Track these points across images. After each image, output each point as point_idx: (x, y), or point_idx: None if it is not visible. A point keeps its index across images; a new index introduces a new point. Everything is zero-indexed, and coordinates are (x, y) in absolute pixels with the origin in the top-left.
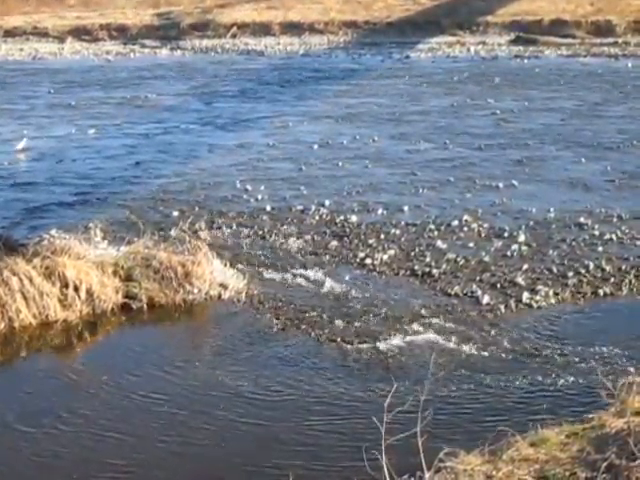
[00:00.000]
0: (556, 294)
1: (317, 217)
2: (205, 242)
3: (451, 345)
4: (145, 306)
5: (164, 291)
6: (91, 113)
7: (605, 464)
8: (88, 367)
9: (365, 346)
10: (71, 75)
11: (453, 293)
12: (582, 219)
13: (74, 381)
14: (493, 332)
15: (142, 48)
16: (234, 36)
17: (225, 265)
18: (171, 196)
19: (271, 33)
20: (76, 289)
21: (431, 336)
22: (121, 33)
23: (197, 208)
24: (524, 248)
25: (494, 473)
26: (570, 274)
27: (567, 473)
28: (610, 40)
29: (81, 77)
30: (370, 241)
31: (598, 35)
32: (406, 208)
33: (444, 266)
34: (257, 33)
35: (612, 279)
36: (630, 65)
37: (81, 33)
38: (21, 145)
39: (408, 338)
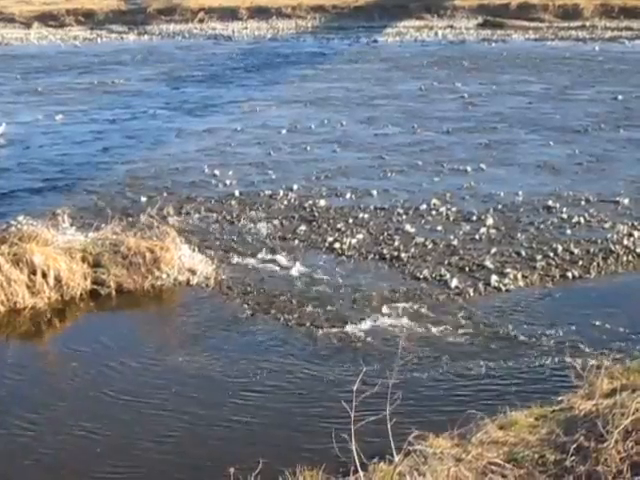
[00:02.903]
0: (524, 277)
1: (286, 202)
2: (173, 227)
3: (420, 329)
4: (114, 292)
5: (132, 277)
6: (58, 99)
7: (574, 446)
8: (57, 354)
9: (334, 330)
10: (38, 61)
11: (422, 277)
12: (550, 202)
13: (43, 368)
14: (462, 315)
15: (109, 33)
16: (201, 21)
17: (193, 250)
18: (139, 182)
19: (239, 17)
20: (44, 276)
21: (400, 320)
22: (88, 18)
23: (165, 193)
24: (492, 231)
25: (463, 456)
26: (538, 257)
27: (536, 455)
28: (578, 23)
29: (48, 63)
30: (339, 225)
31: (566, 19)
32: (375, 192)
33: (413, 250)
34: (224, 18)
35: (580, 262)
36: (598, 48)
37: (48, 19)
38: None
39: (377, 322)
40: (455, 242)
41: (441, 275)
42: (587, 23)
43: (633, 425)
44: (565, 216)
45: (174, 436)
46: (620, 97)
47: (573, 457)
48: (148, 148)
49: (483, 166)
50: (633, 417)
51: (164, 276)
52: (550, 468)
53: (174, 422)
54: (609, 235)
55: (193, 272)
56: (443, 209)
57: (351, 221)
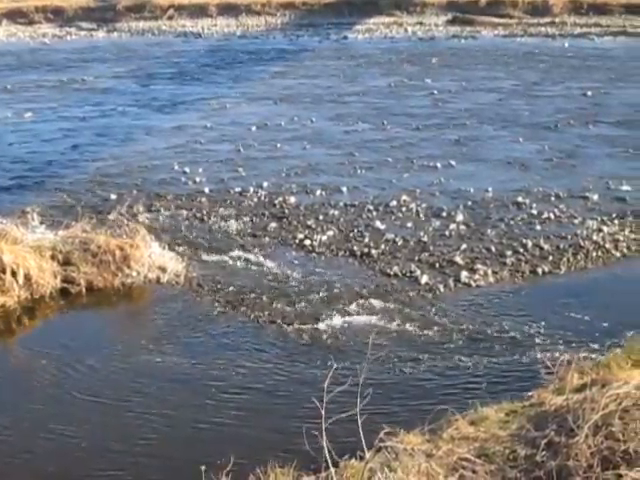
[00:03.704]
0: (495, 273)
1: (256, 199)
2: (143, 225)
3: (390, 325)
4: (84, 290)
5: (103, 275)
6: (27, 96)
7: (545, 441)
8: (26, 353)
9: (305, 327)
10: (7, 58)
11: (392, 273)
12: (520, 198)
13: (12, 367)
14: (432, 312)
15: (78, 30)
16: (171, 18)
17: (164, 248)
18: (109, 179)
19: (208, 15)
20: (14, 274)
21: (370, 317)
22: (57, 15)
23: (135, 191)
24: (462, 228)
25: (434, 452)
26: (508, 253)
27: (507, 451)
28: (547, 20)
29: (17, 60)
30: (309, 222)
31: (535, 15)
32: (344, 189)
33: (383, 246)
34: (194, 14)
35: (550, 257)
36: (567, 45)
37: (16, 16)
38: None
39: (348, 319)
40: (425, 238)
41: (411, 271)
42: (556, 19)
43: (603, 420)
44: (535, 212)
45: (145, 435)
46: (589, 93)
47: (544, 452)
48: (118, 145)
49: (453, 162)
50: (603, 412)
51: (134, 274)
52: (521, 463)
53: (145, 421)
54: (579, 231)
55: (163, 270)
56: (413, 205)
57: (321, 218)
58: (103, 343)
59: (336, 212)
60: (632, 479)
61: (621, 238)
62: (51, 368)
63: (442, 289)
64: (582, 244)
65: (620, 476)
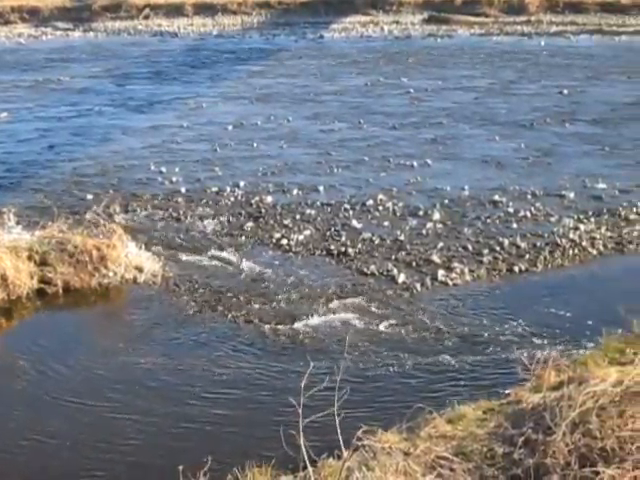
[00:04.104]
0: (471, 271)
1: (232, 198)
2: (120, 225)
3: (367, 324)
4: (61, 290)
5: (79, 275)
6: (3, 97)
7: (522, 439)
8: (4, 353)
9: (282, 327)
10: None
11: (369, 272)
12: (496, 197)
13: None
14: (409, 310)
15: (54, 30)
16: (147, 17)
17: (140, 248)
18: (85, 179)
19: (184, 14)
20: None
21: (348, 315)
22: (33, 15)
23: (111, 191)
24: (439, 226)
25: (412, 450)
26: (485, 251)
27: (484, 449)
28: (523, 18)
29: None
30: (286, 222)
31: (511, 14)
32: (321, 188)
33: (360, 245)
34: (170, 14)
35: (527, 255)
36: (543, 43)
37: None
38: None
39: (325, 318)
40: (402, 237)
41: (388, 270)
42: (532, 18)
43: (580, 417)
44: (511, 210)
45: (122, 435)
46: (565, 91)
47: (521, 450)
48: (94, 145)
49: (429, 161)
50: (580, 409)
51: (111, 274)
52: (498, 461)
53: (122, 421)
54: (555, 229)
55: (140, 270)
56: (390, 204)
57: (298, 217)
58: (80, 344)
59: (313, 211)
60: (609, 476)
61: (597, 236)
62: (28, 369)
63: (419, 288)
64: (559, 242)
65: (597, 473)
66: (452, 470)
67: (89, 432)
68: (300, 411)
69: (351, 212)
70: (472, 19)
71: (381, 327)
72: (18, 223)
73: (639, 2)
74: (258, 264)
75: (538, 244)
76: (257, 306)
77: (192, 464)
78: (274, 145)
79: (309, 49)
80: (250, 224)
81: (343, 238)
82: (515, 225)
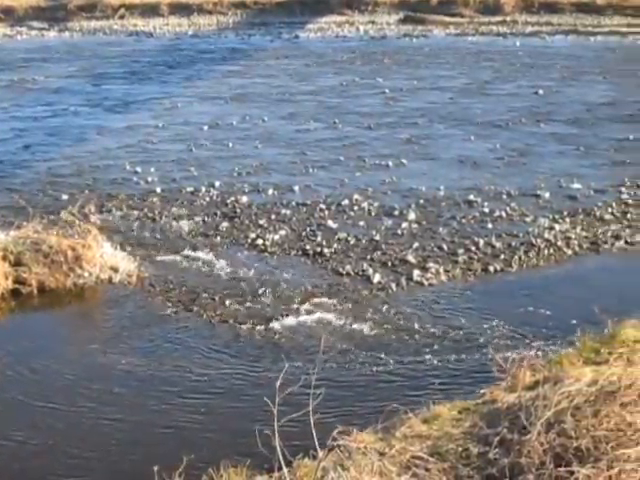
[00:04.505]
0: (447, 271)
1: (207, 198)
2: (95, 225)
3: (343, 324)
4: (35, 291)
5: (54, 275)
6: None
7: (497, 439)
8: None
9: (257, 327)
10: None
11: (344, 272)
12: (472, 197)
13: None
14: (385, 310)
15: (29, 30)
16: (122, 17)
17: (116, 248)
18: (60, 179)
19: (160, 14)
20: None
21: (323, 315)
22: (8, 15)
23: (87, 191)
24: (414, 226)
25: (387, 450)
26: (460, 251)
27: (459, 448)
28: (498, 19)
29: None
30: (261, 222)
31: (486, 14)
32: (297, 188)
33: (335, 245)
34: (145, 14)
35: (502, 255)
36: (518, 43)
37: None
38: None
39: (300, 318)
40: (377, 237)
41: (363, 270)
42: (508, 18)
43: (555, 417)
44: (486, 210)
45: (97, 437)
46: (540, 92)
47: (496, 449)
48: (69, 145)
49: (405, 161)
50: (555, 409)
51: (86, 274)
52: (473, 461)
53: (96, 423)
54: (530, 229)
55: (115, 270)
56: (365, 204)
57: (273, 217)
58: (55, 344)
59: (288, 211)
60: (584, 476)
61: (572, 236)
62: (2, 370)
63: (394, 288)
64: (534, 242)
65: (572, 473)
66: (427, 470)
67: (62, 435)
68: (275, 411)
69: (326, 212)
70: (448, 19)
71: (356, 327)
72: None
73: (614, 3)
74: (233, 264)
75: (513, 244)
76: (232, 306)
77: (167, 465)
78: (249, 145)
79: (285, 49)
80: (225, 224)
81: (318, 238)
82: (490, 225)
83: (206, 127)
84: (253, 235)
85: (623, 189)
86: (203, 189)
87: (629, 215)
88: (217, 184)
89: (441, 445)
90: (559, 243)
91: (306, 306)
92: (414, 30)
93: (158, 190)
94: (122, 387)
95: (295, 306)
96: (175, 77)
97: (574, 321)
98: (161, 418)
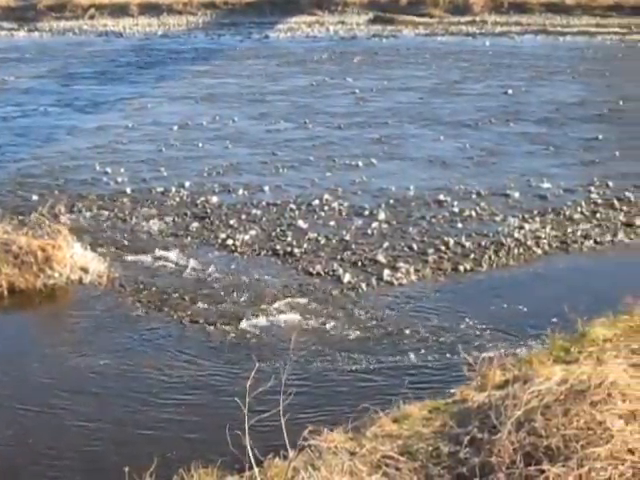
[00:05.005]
0: (417, 271)
1: (178, 198)
2: (65, 226)
3: (313, 324)
4: (5, 292)
5: (24, 276)
6: None
7: (467, 438)
8: None
9: (228, 327)
10: None
11: (315, 272)
12: (441, 196)
13: None
14: (355, 310)
15: None
16: (92, 17)
17: (86, 249)
18: (30, 180)
19: (129, 14)
20: None
21: (293, 316)
22: None
23: (57, 191)
24: (384, 226)
25: (358, 450)
26: (430, 251)
27: (430, 448)
28: (468, 19)
29: None
30: (231, 222)
31: (455, 14)
32: (267, 188)
33: (305, 245)
34: (115, 14)
35: (472, 255)
36: (488, 43)
37: None
38: None
39: (271, 318)
40: (347, 237)
41: (334, 270)
42: (477, 18)
43: (525, 416)
44: (456, 210)
45: (68, 438)
46: (510, 91)
47: (467, 449)
48: (39, 146)
49: (374, 161)
50: (525, 408)
51: (56, 275)
52: (444, 460)
53: (66, 423)
54: (500, 228)
55: (85, 270)
56: (335, 204)
57: (244, 217)
58: (25, 345)
59: (258, 211)
60: (555, 474)
61: (542, 235)
62: None
63: (364, 287)
64: (503, 242)
65: (542, 471)
66: (398, 469)
67: (33, 438)
68: (246, 412)
69: (297, 212)
70: (417, 19)
71: (327, 327)
72: None
73: (583, 3)
74: (204, 264)
75: (483, 243)
76: (203, 306)
77: (138, 465)
78: (219, 145)
79: (255, 49)
80: (195, 224)
81: (289, 238)
82: (460, 225)
83: (176, 127)
84: (223, 235)
85: (592, 189)
86: (173, 189)
87: (598, 214)
88: (187, 184)
89: (412, 444)
90: (529, 242)
91: (276, 306)
92: (384, 30)
93: (128, 190)
94: (93, 388)
95: (265, 306)
96: (145, 77)
97: (544, 320)
98: (132, 419)
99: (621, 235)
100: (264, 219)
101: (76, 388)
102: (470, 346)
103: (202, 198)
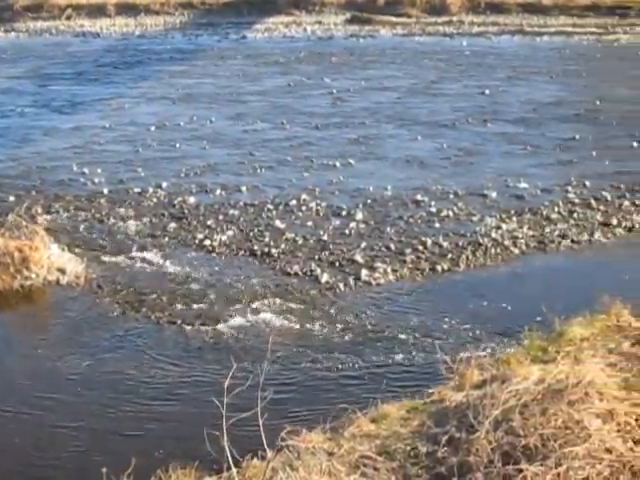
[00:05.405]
0: (394, 271)
1: (155, 199)
2: (42, 227)
3: (291, 324)
4: None
5: (1, 277)
6: None
7: (445, 437)
8: None
9: (205, 327)
10: None
11: (293, 272)
12: (419, 196)
13: None
14: (333, 310)
15: None
16: (69, 17)
17: (63, 249)
18: (7, 181)
19: (107, 14)
20: None
21: (271, 316)
22: None
23: (34, 192)
24: (362, 226)
25: (336, 450)
26: (408, 251)
27: (408, 447)
28: (445, 19)
29: None
30: (209, 222)
31: (433, 14)
32: (244, 188)
33: (283, 246)
34: (92, 14)
35: (449, 255)
36: (465, 43)
37: None
38: None
39: (248, 318)
40: (325, 237)
41: (312, 270)
42: (454, 18)
43: (503, 415)
44: (434, 210)
45: (45, 439)
46: (487, 91)
47: (445, 448)
48: (16, 147)
49: (352, 161)
50: (503, 407)
51: (33, 276)
52: (422, 460)
53: (44, 425)
54: (477, 228)
55: (63, 271)
56: (313, 204)
57: (221, 218)
58: (1, 346)
59: (236, 212)
60: (532, 473)
61: (519, 235)
62: None
63: (342, 288)
64: (481, 241)
65: (520, 471)
66: (376, 469)
67: (9, 437)
68: (224, 412)
69: (274, 212)
70: (394, 19)
71: (305, 327)
72: None
73: (560, 3)
74: (181, 265)
75: (460, 243)
76: (180, 307)
77: (115, 466)
78: (197, 146)
79: (232, 49)
80: (173, 225)
81: (266, 238)
82: (438, 225)
83: (153, 128)
84: (201, 236)
85: (570, 188)
86: (151, 190)
87: (575, 214)
88: (164, 185)
89: (389, 444)
90: (506, 242)
91: (254, 306)
92: (361, 30)
93: (105, 191)
94: (70, 389)
95: (243, 306)
96: (122, 78)
97: (522, 320)
98: (108, 419)
99: (598, 234)
100: (241, 219)
101: (53, 389)
102: (448, 346)
103: (179, 198)
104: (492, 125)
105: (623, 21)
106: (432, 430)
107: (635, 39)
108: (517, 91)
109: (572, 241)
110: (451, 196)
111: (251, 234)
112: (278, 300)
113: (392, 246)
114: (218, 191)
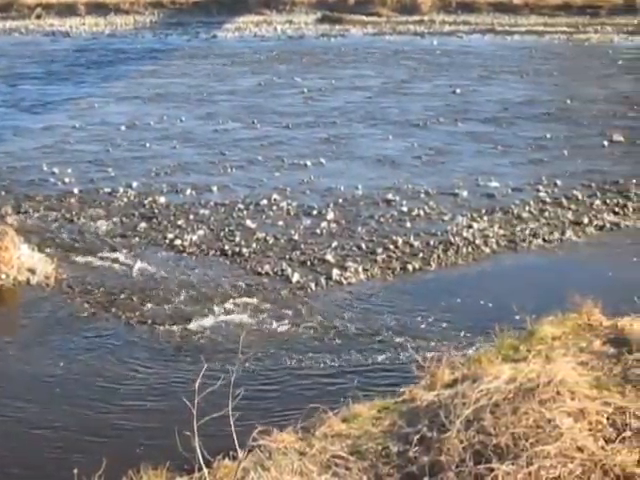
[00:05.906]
0: (366, 270)
1: (125, 199)
2: (12, 227)
3: (262, 324)
4: None
5: None
6: None
7: (417, 437)
8: None
9: (176, 327)
10: None
11: (264, 272)
12: (390, 196)
13: None
14: (304, 310)
15: None
16: (39, 17)
17: (33, 250)
18: None
19: (77, 13)
20: None
21: (242, 316)
22: None
23: (3, 192)
24: (333, 226)
25: (307, 450)
26: (379, 250)
27: (379, 447)
28: (416, 18)
29: None
30: (179, 222)
31: (404, 13)
32: (215, 188)
33: (254, 245)
34: (62, 14)
35: (420, 254)
36: (436, 42)
37: None
38: None
39: (219, 318)
40: (296, 237)
41: (282, 270)
42: (425, 18)
43: (474, 414)
44: (405, 209)
45: (15, 441)
46: (458, 91)
47: (416, 448)
48: None
49: (323, 160)
50: (474, 407)
51: (3, 276)
52: (393, 459)
53: (14, 426)
54: (449, 227)
55: (33, 272)
56: (284, 204)
57: (192, 217)
58: None
59: (206, 211)
60: (504, 472)
61: (490, 234)
62: None
63: (313, 287)
64: (452, 240)
65: (492, 470)
66: (348, 469)
67: None
68: (194, 412)
69: (245, 212)
70: (365, 19)
71: (276, 327)
72: None
73: (531, 2)
74: (152, 265)
75: (432, 243)
76: (151, 307)
77: (86, 467)
78: (167, 145)
79: (202, 49)
80: (143, 225)
81: (237, 238)
82: (409, 224)
83: (123, 127)
84: (171, 236)
85: (540, 187)
86: (121, 190)
87: (546, 213)
88: (135, 185)
89: (361, 444)
90: (477, 241)
91: (225, 306)
92: (332, 30)
93: (75, 191)
94: (40, 391)
95: (214, 306)
96: (92, 77)
97: (493, 319)
98: (79, 419)
99: (569, 233)
100: (212, 219)
101: (23, 391)
102: (419, 345)
103: (150, 198)
104: (463, 124)
105: (594, 20)
106: (403, 429)
107: (606, 38)
108: (488, 90)
109: (543, 240)
110: (422, 195)
111: (222, 234)
112: (249, 300)
113: (363, 245)
114: (188, 191)
